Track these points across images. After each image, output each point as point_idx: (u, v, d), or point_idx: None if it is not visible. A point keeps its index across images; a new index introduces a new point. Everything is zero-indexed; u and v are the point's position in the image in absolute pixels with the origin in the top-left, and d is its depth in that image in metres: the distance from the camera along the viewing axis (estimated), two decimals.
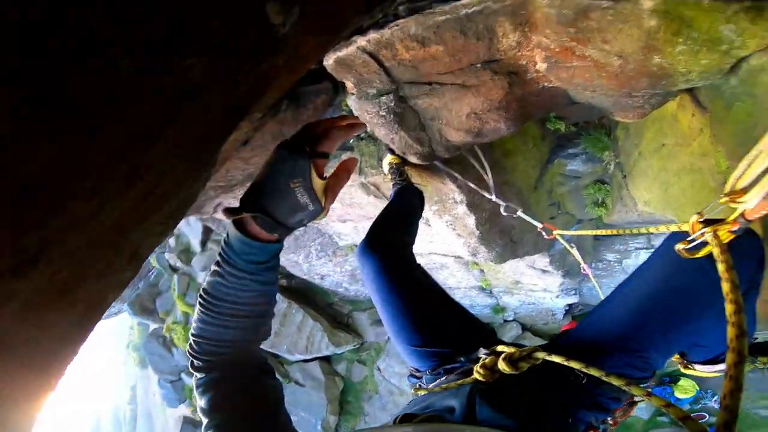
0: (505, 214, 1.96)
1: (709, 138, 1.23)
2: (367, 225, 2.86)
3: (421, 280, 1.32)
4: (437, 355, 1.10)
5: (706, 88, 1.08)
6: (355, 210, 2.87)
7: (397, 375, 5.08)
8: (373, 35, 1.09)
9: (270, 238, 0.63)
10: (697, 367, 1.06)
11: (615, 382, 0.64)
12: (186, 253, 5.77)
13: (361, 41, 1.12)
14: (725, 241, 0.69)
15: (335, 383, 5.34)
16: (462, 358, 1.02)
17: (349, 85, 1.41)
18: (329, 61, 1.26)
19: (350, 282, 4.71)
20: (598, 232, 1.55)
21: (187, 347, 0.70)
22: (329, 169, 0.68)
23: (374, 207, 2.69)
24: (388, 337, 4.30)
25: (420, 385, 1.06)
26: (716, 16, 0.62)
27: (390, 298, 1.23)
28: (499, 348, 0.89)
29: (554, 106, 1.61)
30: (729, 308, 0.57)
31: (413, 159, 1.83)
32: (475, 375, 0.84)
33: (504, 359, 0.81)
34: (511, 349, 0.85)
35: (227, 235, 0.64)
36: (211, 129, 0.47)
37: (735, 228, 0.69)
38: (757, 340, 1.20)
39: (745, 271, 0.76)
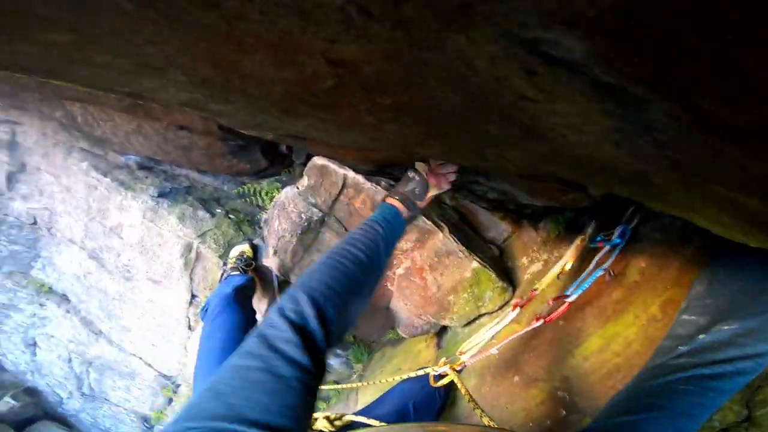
0: None
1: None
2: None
3: None
4: None
5: (450, 332, 2.01)
6: (140, 259, 2.59)
7: None
8: (358, 177, 1.75)
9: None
10: None
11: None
12: None
13: (349, 172, 1.77)
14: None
15: None
16: None
17: (305, 181, 1.92)
18: (319, 161, 1.81)
19: None
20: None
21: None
22: None
23: (165, 266, 2.53)
24: None
25: None
26: (490, 284, 1.54)
27: None
28: (314, 415, 1.17)
29: (378, 303, 2.34)
30: (471, 405, 1.16)
31: (271, 260, 2.17)
32: None
33: (324, 418, 1.11)
34: (326, 413, 1.16)
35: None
36: None
37: (460, 367, 1.38)
38: None
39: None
